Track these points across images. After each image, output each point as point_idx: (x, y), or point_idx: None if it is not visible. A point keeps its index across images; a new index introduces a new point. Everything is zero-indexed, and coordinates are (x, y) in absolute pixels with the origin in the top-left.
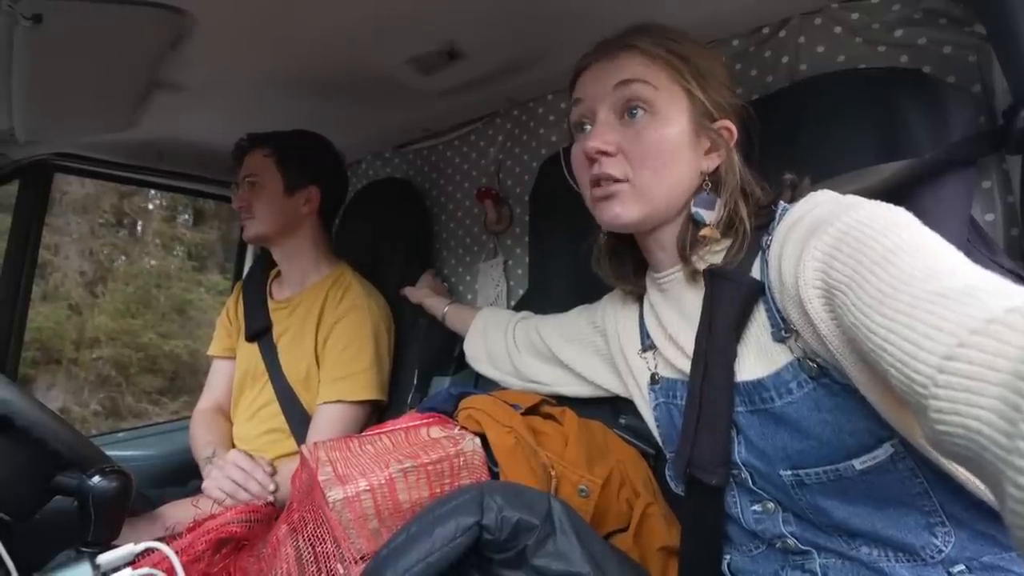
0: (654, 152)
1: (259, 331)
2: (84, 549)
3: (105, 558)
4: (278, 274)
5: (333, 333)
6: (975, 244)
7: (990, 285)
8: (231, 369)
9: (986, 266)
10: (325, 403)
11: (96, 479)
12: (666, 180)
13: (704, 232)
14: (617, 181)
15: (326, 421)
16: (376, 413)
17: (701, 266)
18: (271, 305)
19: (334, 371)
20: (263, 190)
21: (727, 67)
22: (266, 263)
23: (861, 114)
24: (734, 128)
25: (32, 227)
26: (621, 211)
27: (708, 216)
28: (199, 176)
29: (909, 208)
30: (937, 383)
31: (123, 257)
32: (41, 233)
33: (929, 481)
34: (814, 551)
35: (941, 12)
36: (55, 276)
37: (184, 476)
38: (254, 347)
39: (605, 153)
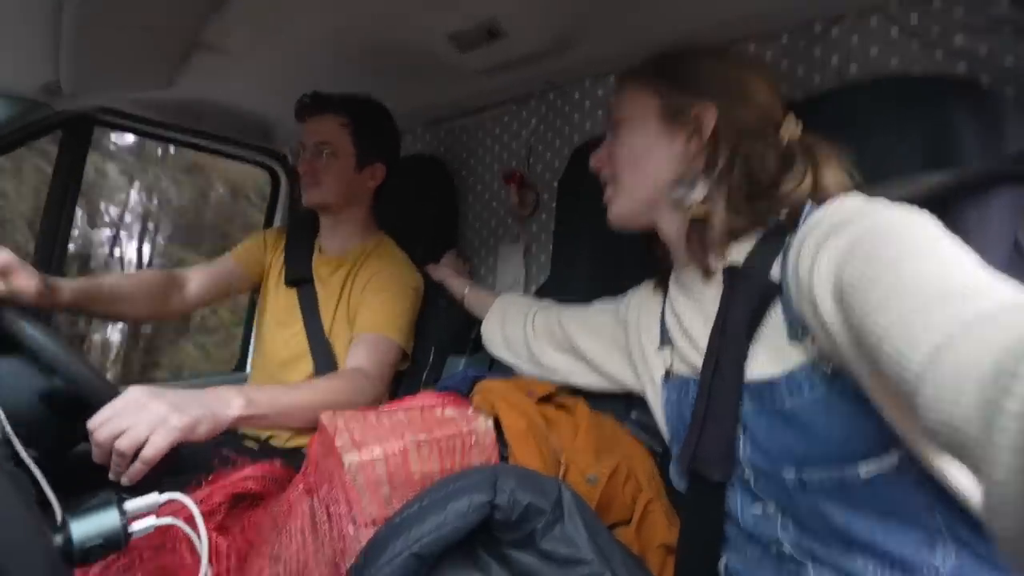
0: (628, 153)
1: (300, 278)
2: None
3: (132, 504)
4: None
5: (372, 282)
6: (1017, 268)
7: (991, 285)
8: (230, 268)
9: None
10: (365, 332)
11: None
12: (641, 175)
13: (695, 213)
14: (608, 184)
15: (366, 346)
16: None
17: (718, 265)
18: (317, 258)
19: (374, 308)
20: (334, 161)
21: (731, 56)
22: (315, 215)
23: (910, 123)
24: (712, 109)
25: (71, 178)
26: (611, 210)
27: (690, 196)
28: (235, 140)
29: (951, 224)
30: (923, 379)
31: None
32: (80, 185)
33: (934, 497)
34: (809, 562)
35: (1008, 20)
36: None
37: None
38: (291, 293)
39: (600, 168)
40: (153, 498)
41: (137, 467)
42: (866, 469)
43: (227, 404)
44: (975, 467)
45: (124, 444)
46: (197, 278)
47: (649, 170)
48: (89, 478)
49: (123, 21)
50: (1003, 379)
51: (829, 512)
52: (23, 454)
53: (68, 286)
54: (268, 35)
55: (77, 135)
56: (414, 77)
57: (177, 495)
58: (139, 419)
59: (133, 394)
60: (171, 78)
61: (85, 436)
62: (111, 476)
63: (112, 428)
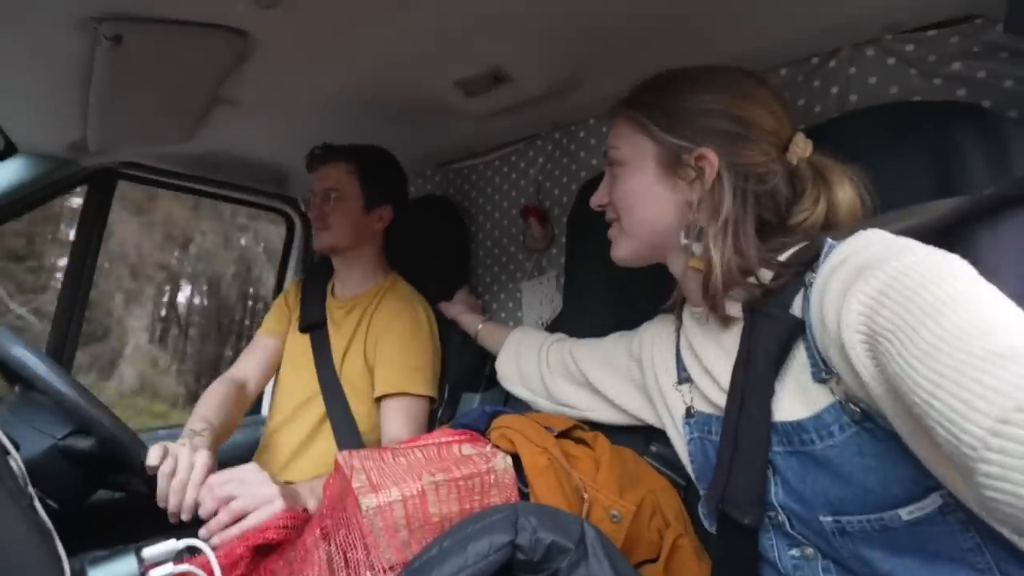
0: (627, 197)
1: (313, 323)
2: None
3: (149, 552)
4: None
5: (391, 327)
6: None
7: None
8: (273, 346)
9: None
10: (389, 396)
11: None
12: (642, 219)
13: (691, 263)
14: (614, 223)
15: (397, 412)
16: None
17: (732, 311)
18: (330, 302)
19: (395, 363)
20: (342, 204)
21: (728, 85)
22: (329, 264)
23: (915, 148)
24: (712, 155)
25: (95, 229)
26: (614, 251)
27: (698, 247)
28: (251, 188)
29: (964, 248)
30: (989, 447)
31: None
32: (103, 236)
33: (982, 536)
34: None
35: (1003, 45)
36: None
37: None
38: (305, 338)
39: (602, 207)
40: (171, 545)
41: (233, 531)
42: (908, 515)
43: (305, 502)
44: None
45: (237, 506)
46: (251, 372)
47: (651, 215)
48: (107, 525)
49: (149, 82)
50: None
51: (872, 558)
52: (39, 509)
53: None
54: (282, 88)
55: (101, 189)
56: (423, 123)
57: (194, 541)
58: (254, 492)
59: (254, 470)
60: (192, 132)
61: (102, 485)
62: (204, 531)
63: (231, 489)
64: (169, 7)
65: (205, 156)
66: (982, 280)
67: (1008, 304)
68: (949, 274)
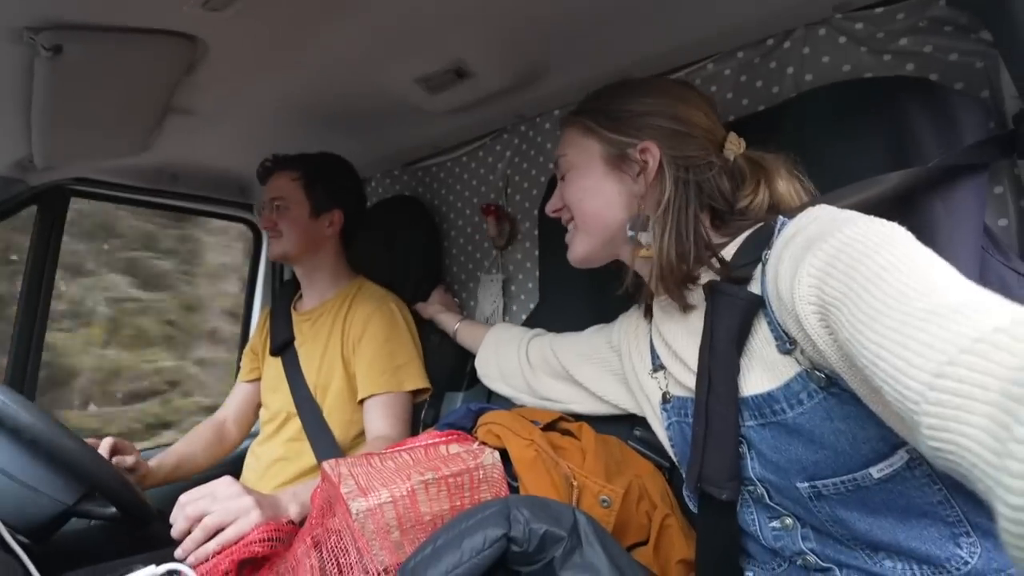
0: (577, 195)
1: (283, 344)
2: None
3: None
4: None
5: (368, 330)
6: (989, 250)
7: (981, 303)
8: (249, 391)
9: (1001, 273)
10: (374, 395)
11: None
12: (593, 212)
13: (642, 252)
14: (570, 224)
15: (379, 410)
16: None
17: (694, 296)
18: (295, 318)
19: (378, 365)
20: (288, 212)
21: (665, 90)
22: (295, 282)
23: (869, 123)
24: (654, 147)
25: (49, 251)
26: (571, 252)
27: (645, 237)
28: (212, 198)
29: (920, 217)
30: (927, 400)
31: None
32: (58, 257)
33: (948, 488)
34: (836, 568)
35: (946, 20)
36: None
37: None
38: (277, 360)
39: (556, 212)
40: (150, 571)
41: (210, 546)
42: (879, 472)
43: (286, 510)
44: (986, 489)
45: (211, 522)
46: (232, 416)
47: (601, 212)
48: (79, 556)
49: (96, 93)
50: (1011, 404)
51: (848, 518)
52: (11, 541)
53: (161, 471)
54: (238, 95)
55: (52, 208)
56: (387, 122)
57: (175, 565)
58: (228, 506)
59: (227, 483)
60: (146, 143)
61: (74, 515)
62: (180, 551)
63: (204, 506)
64: (111, 14)
65: (162, 168)
66: (920, 244)
67: (944, 265)
68: (890, 240)
